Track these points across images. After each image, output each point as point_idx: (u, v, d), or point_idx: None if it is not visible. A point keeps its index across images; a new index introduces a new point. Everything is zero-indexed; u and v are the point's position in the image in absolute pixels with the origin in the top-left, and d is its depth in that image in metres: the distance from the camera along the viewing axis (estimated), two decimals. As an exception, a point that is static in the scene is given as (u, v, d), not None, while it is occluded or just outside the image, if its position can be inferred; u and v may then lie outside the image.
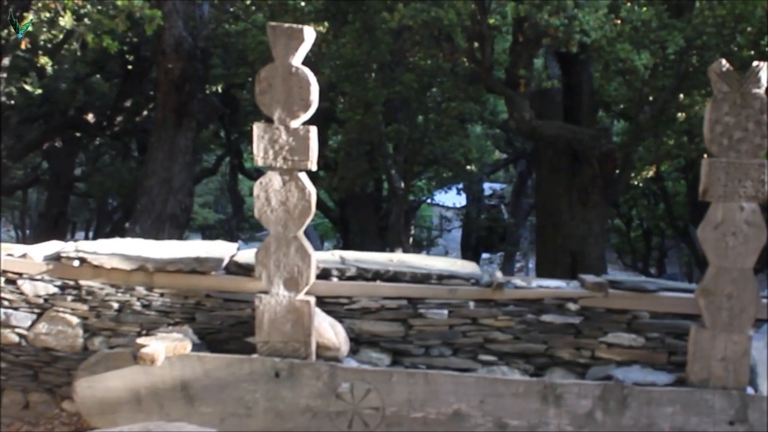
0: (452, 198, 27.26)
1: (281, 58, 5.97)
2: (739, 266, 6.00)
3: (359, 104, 13.82)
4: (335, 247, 23.66)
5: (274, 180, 6.08)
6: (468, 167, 18.45)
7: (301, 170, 6.05)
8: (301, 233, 6.16)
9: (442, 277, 6.65)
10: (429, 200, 28.67)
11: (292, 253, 6.15)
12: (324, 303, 6.60)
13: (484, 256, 34.23)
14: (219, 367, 6.20)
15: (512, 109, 11.74)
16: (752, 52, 12.62)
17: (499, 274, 6.91)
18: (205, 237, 28.09)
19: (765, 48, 12.32)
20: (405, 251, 15.90)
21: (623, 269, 25.31)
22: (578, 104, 13.08)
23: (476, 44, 11.46)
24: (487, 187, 29.20)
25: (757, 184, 5.94)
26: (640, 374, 6.32)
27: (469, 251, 22.45)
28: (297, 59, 5.98)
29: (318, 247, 27.73)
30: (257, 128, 6.01)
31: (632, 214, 23.25)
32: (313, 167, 6.05)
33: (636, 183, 18.22)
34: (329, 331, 6.34)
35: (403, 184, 17.03)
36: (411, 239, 19.84)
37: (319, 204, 21.21)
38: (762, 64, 5.93)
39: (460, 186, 22.22)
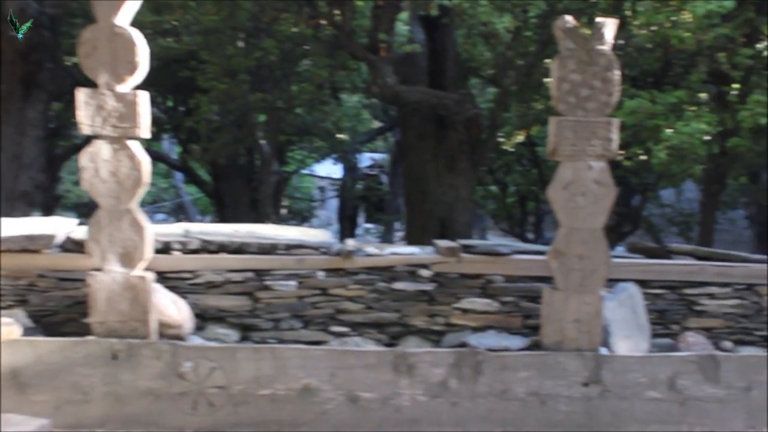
0: (330, 168, 27.02)
1: (104, 17, 5.54)
2: (590, 226, 5.90)
3: (222, 73, 13.36)
4: (213, 222, 23.13)
5: (102, 149, 5.66)
6: (339, 136, 18.15)
7: (131, 138, 5.64)
8: (134, 205, 5.76)
9: (290, 247, 6.37)
10: (304, 171, 28.38)
11: (126, 227, 5.75)
12: (166, 279, 6.24)
13: (367, 225, 34.15)
14: (52, 352, 5.77)
15: (375, 74, 11.49)
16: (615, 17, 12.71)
17: (350, 242, 6.67)
18: (80, 215, 27.03)
19: (626, 11, 12.40)
20: (277, 223, 15.55)
21: (503, 235, 25.54)
22: (443, 69, 12.91)
23: (336, 9, 11.15)
24: (368, 157, 29.03)
25: (604, 142, 5.83)
26: (495, 339, 6.20)
27: (346, 221, 22.24)
28: (121, 19, 5.56)
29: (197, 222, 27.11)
30: (81, 94, 5.57)
31: (507, 180, 23.34)
32: (145, 134, 5.66)
33: (508, 148, 18.25)
34: (171, 307, 5.98)
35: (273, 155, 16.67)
36: (285, 210, 19.45)
37: (195, 177, 20.65)
38: (606, 20, 5.81)
39: (336, 156, 21.93)
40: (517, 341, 6.15)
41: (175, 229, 6.66)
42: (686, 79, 11.63)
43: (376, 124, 25.21)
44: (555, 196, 5.89)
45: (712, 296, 6.65)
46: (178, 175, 26.77)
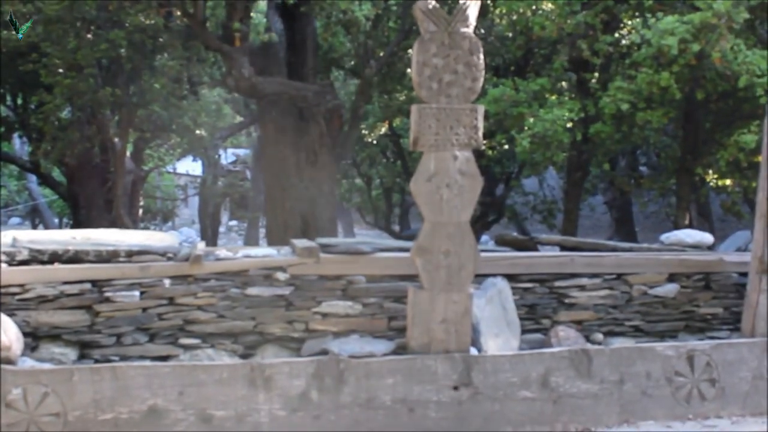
0: (191, 165, 26.13)
1: None
2: (455, 220, 5.56)
3: (67, 67, 12.48)
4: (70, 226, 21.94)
5: None
6: (197, 132, 17.40)
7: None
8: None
9: (132, 254, 5.79)
10: (167, 169, 27.36)
11: (-63, 237, 5.06)
12: (-8, 294, 5.55)
13: (231, 223, 33.29)
14: None
15: (230, 66, 10.90)
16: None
17: (200, 245, 6.15)
18: None
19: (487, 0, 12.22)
20: (132, 225, 14.75)
21: (370, 229, 25.24)
22: (303, 60, 12.41)
23: (188, -3, 10.51)
24: (232, 152, 28.21)
25: (469, 130, 5.51)
26: (358, 345, 5.79)
27: (208, 219, 21.48)
28: None
29: (55, 227, 25.73)
30: None
31: (372, 173, 23.06)
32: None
33: (371, 140, 17.91)
34: (-4, 327, 5.31)
35: (128, 152, 15.85)
36: (142, 211, 18.57)
37: (48, 179, 19.47)
38: (469, 1, 5.46)
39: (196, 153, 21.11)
40: (382, 345, 5.76)
41: (2, 239, 5.96)
42: (548, 68, 11.53)
43: (239, 119, 24.49)
44: (418, 189, 5.52)
45: (582, 288, 6.43)
46: (33, 177, 25.34)
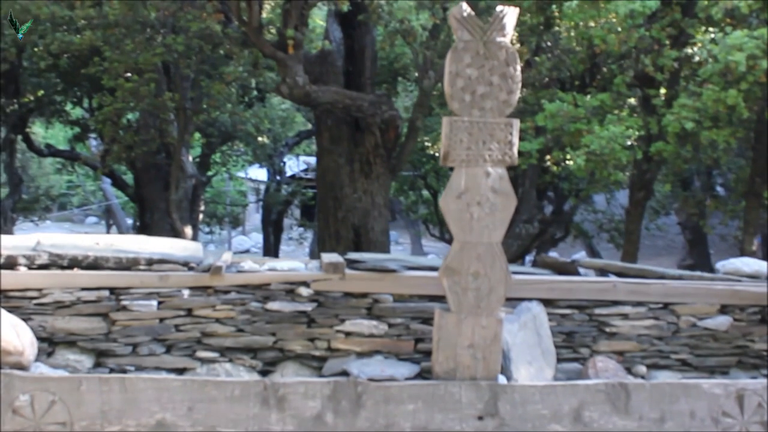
0: (262, 172, 26.19)
1: None
2: (486, 240, 5.24)
3: (126, 70, 12.52)
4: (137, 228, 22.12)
5: None
6: (260, 139, 17.38)
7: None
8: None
9: (152, 262, 5.60)
10: (239, 174, 27.48)
11: (-51, 239, 4.94)
12: (9, 298, 5.43)
13: (301, 230, 33.28)
14: None
15: (284, 73, 10.77)
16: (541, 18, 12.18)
17: (226, 256, 5.94)
18: None
19: (553, 13, 11.88)
20: (182, 230, 14.74)
21: (438, 241, 24.92)
22: (361, 70, 12.25)
23: (243, 2, 10.40)
24: (304, 161, 28.22)
25: (503, 146, 5.19)
26: (381, 367, 5.50)
27: (270, 227, 21.46)
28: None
29: (127, 228, 25.99)
30: None
31: (438, 186, 22.78)
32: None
33: (433, 153, 17.64)
34: (10, 332, 5.17)
35: (190, 157, 15.88)
36: (204, 216, 18.59)
37: (117, 180, 19.67)
38: (506, 8, 5.15)
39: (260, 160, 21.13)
40: (405, 369, 5.47)
41: (27, 241, 5.84)
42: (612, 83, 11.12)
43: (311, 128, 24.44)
44: (447, 206, 5.22)
45: (624, 316, 6.02)
46: (107, 178, 25.70)
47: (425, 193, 22.92)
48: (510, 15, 5.15)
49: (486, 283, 5.25)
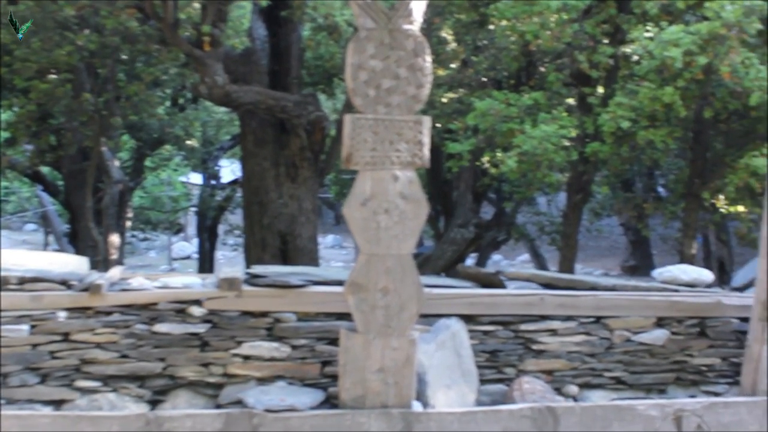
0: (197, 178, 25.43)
1: None
2: (395, 252, 4.70)
3: (43, 70, 11.77)
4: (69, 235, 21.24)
5: None
6: (189, 143, 16.68)
7: None
8: None
9: (25, 281, 4.97)
10: (171, 179, 26.66)
11: None
12: None
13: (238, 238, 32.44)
14: None
15: (203, 72, 10.11)
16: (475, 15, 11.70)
17: (114, 271, 5.33)
18: None
19: (489, 11, 11.40)
20: (120, 237, 14.02)
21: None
22: (287, 69, 11.63)
23: (157, -2, 9.75)
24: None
25: (413, 146, 4.66)
26: (282, 394, 4.92)
27: (205, 233, 20.71)
28: None
29: (62, 234, 25.09)
30: None
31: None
32: None
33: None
34: None
35: (117, 162, 15.14)
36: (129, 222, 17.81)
37: (49, 186, 18.79)
38: (415, -7, 4.61)
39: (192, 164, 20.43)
40: (308, 397, 4.90)
41: None
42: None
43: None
44: (351, 215, 4.67)
45: (553, 332, 5.53)
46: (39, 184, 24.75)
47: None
48: (418, 2, 4.61)
49: (396, 300, 4.71)
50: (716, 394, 5.75)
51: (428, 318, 5.24)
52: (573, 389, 5.55)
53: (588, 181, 10.58)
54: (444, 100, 12.79)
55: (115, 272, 5.40)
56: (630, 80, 9.82)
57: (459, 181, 12.60)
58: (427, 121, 4.66)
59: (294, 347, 5.16)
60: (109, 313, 4.98)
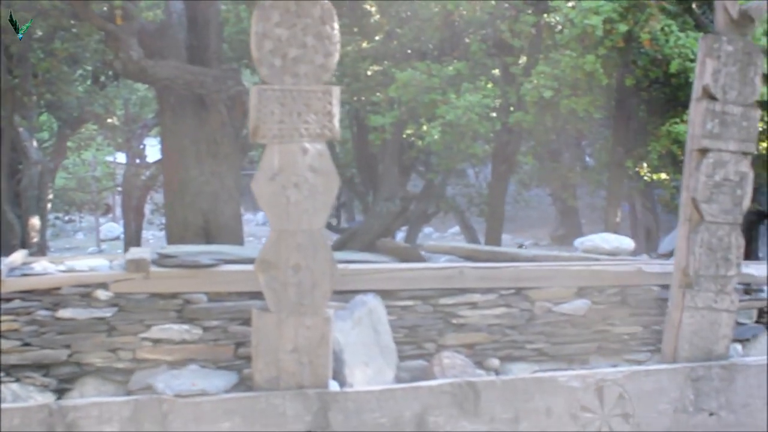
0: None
1: None
2: (306, 227, 4.54)
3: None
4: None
5: None
6: (109, 121, 16.23)
7: None
8: None
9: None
10: (106, 159, 26.05)
11: None
12: None
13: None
14: None
15: (116, 47, 9.78)
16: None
17: (15, 257, 5.09)
18: None
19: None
20: (41, 219, 13.57)
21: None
22: (206, 44, 11.29)
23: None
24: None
25: (322, 117, 4.49)
26: (193, 378, 4.74)
27: (131, 213, 20.24)
28: None
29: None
30: None
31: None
32: None
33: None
34: None
35: (35, 142, 14.66)
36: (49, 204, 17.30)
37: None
38: (321, -43, 4.43)
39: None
40: (221, 380, 4.73)
41: None
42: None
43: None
44: (260, 190, 4.49)
45: (473, 305, 5.43)
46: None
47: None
48: (326, -34, 4.43)
49: (308, 277, 4.55)
50: (639, 363, 5.73)
51: (345, 294, 5.10)
52: (495, 362, 5.47)
53: (513, 151, 10.52)
54: (369, 72, 12.61)
55: (16, 257, 5.15)
56: (554, 49, 9.77)
57: (384, 155, 12.45)
58: (336, 91, 4.50)
59: (206, 329, 4.98)
60: (9, 300, 4.74)
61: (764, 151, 9.57)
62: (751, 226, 11.69)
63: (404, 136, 11.90)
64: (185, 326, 4.93)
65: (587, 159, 18.01)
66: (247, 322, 4.95)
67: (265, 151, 4.47)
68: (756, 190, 10.81)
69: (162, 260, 5.06)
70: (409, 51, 12.55)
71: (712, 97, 5.36)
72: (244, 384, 4.88)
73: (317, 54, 4.44)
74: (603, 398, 5.05)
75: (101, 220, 31.61)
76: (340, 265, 4.92)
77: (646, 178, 10.52)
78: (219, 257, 5.12)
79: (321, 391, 4.61)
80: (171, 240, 11.17)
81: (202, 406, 4.46)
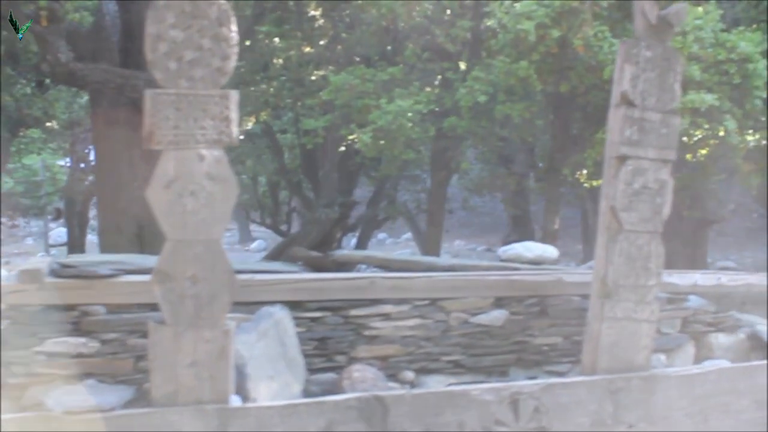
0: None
1: None
2: (204, 237, 4.36)
3: None
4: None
5: None
6: (48, 124, 15.93)
7: None
8: None
9: None
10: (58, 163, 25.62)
11: None
12: None
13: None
14: None
15: (44, 49, 9.53)
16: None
17: None
18: None
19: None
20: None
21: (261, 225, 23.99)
22: (140, 47, 11.04)
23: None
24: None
25: (219, 123, 4.32)
26: (89, 393, 4.55)
27: (75, 218, 19.94)
28: None
29: None
30: None
31: (258, 169, 21.73)
32: None
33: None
34: None
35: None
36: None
37: None
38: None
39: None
40: (115, 396, 4.57)
41: None
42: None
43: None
44: (156, 199, 4.32)
45: (386, 317, 5.29)
46: None
47: (244, 177, 21.91)
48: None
49: (207, 289, 4.37)
50: (560, 374, 5.62)
51: (252, 306, 4.93)
52: (409, 375, 5.34)
53: (451, 157, 10.41)
54: (313, 77, 12.49)
55: None
56: (490, 55, 9.69)
57: (324, 160, 12.31)
58: (234, 95, 4.34)
59: (104, 342, 4.80)
60: None
61: (702, 159, 9.56)
62: (696, 232, 11.70)
63: (347, 141, 11.79)
64: (82, 339, 4.74)
65: (540, 165, 17.99)
66: (146, 334, 4.76)
67: (161, 158, 4.30)
68: (701, 197, 10.87)
69: (62, 270, 4.86)
70: (357, 58, 12.44)
71: (631, 104, 5.27)
72: (145, 399, 4.69)
73: (214, 57, 4.28)
74: (518, 411, 4.92)
75: (52, 225, 31.16)
76: (246, 276, 4.78)
77: (586, 185, 10.47)
78: (121, 267, 4.93)
79: (221, 406, 4.43)
80: (104, 247, 10.95)
81: (94, 424, 4.26)
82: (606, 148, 5.33)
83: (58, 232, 32.90)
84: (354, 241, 17.22)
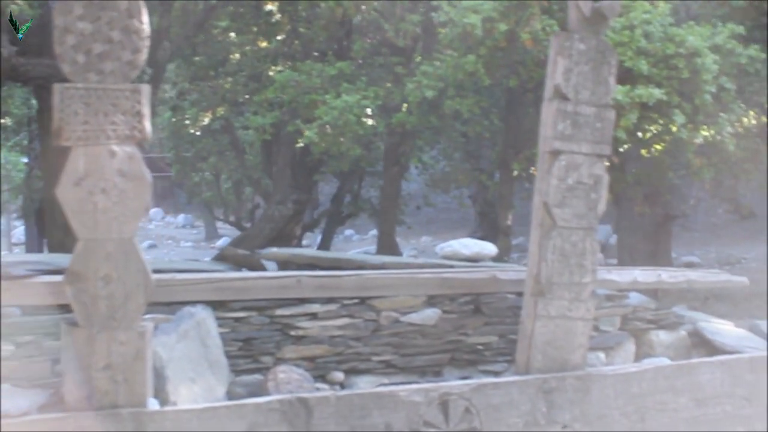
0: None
1: None
2: (117, 236, 4.23)
3: None
4: None
5: None
6: (2, 121, 15.69)
7: None
8: None
9: None
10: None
11: None
12: None
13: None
14: None
15: (-16, 43, 9.33)
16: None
17: None
18: None
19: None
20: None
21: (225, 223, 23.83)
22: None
23: None
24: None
25: (131, 118, 4.19)
26: (3, 398, 4.39)
27: (32, 216, 19.67)
28: None
29: None
30: None
31: (220, 166, 21.55)
32: None
33: (193, 132, 16.41)
34: None
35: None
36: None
37: None
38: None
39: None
40: (27, 401, 4.41)
41: None
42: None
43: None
44: (65, 197, 4.18)
45: (313, 316, 5.17)
46: None
47: (207, 174, 21.70)
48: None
49: (120, 289, 4.24)
50: (495, 374, 5.54)
51: (173, 306, 4.80)
52: (339, 376, 5.23)
53: (403, 153, 10.32)
54: (270, 73, 12.35)
55: None
56: (439, 50, 9.60)
57: (277, 156, 12.18)
58: (146, 89, 4.21)
59: (19, 345, 4.64)
60: None
61: (657, 154, 9.52)
62: (659, 227, 11.67)
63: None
64: (-8, 342, 4.59)
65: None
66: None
67: (70, 155, 4.17)
68: (663, 192, 10.83)
69: (-22, 270, 4.70)
70: (315, 53, 12.31)
71: (564, 97, 5.17)
72: (61, 404, 4.54)
73: (125, 50, 4.15)
74: (448, 413, 4.83)
75: (16, 223, 30.82)
76: (167, 275, 4.65)
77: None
78: (39, 267, 4.78)
79: (137, 410, 4.30)
80: (52, 246, 10.75)
81: (5, 429, 4.12)
82: (539, 143, 5.22)
83: (22, 231, 32.54)
84: (319, 238, 17.09)
